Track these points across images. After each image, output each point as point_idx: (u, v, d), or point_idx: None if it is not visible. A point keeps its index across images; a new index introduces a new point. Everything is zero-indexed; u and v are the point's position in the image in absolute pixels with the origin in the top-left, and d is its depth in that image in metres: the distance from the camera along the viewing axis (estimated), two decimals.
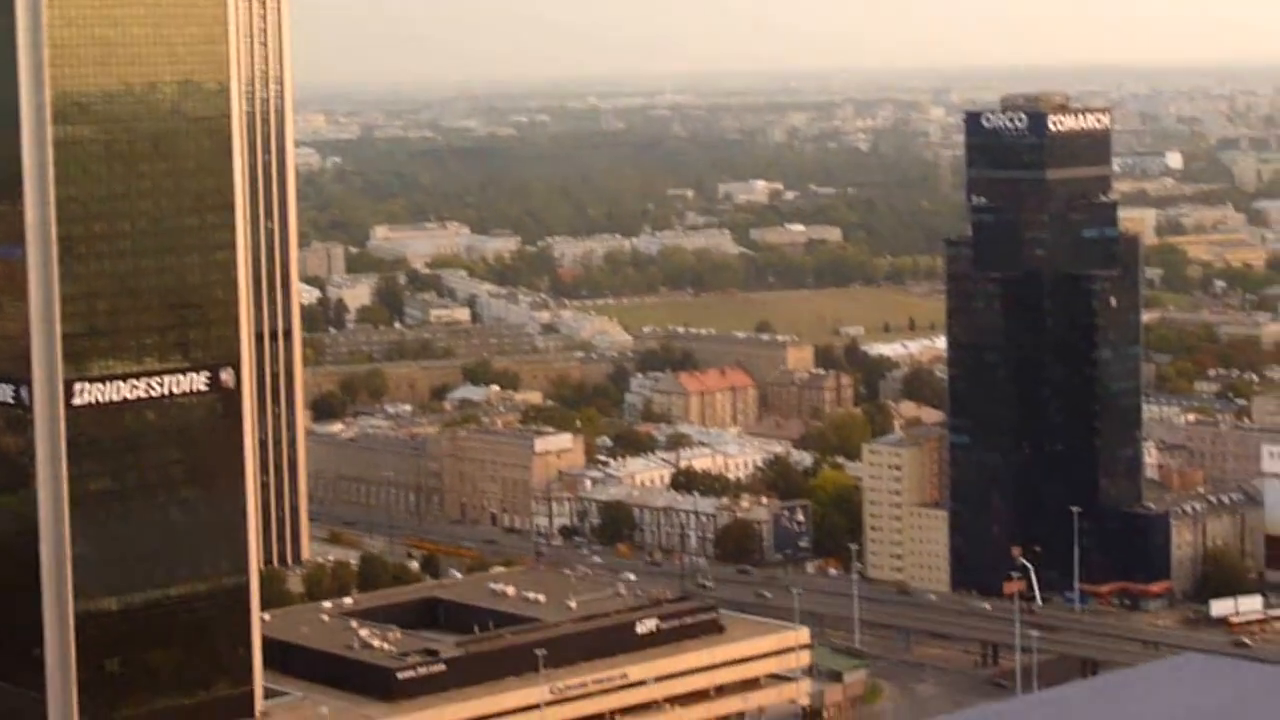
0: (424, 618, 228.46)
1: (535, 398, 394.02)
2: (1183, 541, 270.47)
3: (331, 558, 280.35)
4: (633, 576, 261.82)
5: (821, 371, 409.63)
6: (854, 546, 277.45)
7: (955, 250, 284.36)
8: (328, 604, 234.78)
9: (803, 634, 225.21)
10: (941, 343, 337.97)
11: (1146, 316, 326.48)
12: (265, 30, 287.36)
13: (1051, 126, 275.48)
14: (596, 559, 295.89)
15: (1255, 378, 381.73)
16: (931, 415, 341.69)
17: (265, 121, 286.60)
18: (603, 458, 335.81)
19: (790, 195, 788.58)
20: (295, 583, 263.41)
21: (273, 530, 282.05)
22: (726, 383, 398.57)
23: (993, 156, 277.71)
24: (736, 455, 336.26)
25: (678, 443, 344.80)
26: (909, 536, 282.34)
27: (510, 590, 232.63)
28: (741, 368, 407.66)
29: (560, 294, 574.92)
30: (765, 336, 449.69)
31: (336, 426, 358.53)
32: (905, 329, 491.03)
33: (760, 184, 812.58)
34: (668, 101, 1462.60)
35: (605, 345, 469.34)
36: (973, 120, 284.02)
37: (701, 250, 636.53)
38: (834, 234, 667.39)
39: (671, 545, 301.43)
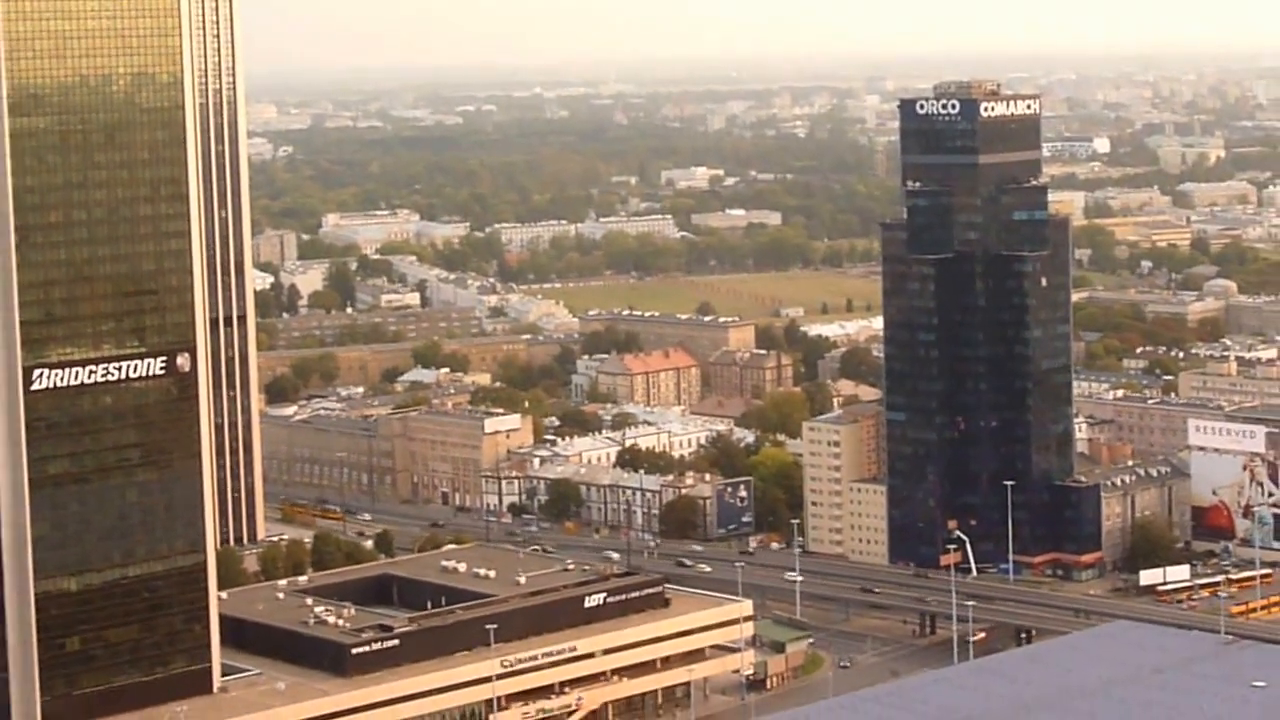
0: (378, 595, 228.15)
1: (484, 379, 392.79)
2: (1112, 513, 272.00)
3: (286, 537, 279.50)
4: (615, 556, 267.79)
5: (762, 352, 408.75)
6: (795, 521, 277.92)
7: (890, 233, 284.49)
8: (283, 582, 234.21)
9: (745, 606, 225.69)
10: (878, 323, 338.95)
11: (1076, 296, 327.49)
12: (217, 23, 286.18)
13: (983, 112, 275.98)
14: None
15: (1181, 355, 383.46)
16: (869, 393, 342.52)
17: (218, 112, 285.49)
18: (550, 437, 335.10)
19: (730, 181, 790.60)
20: (251, 562, 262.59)
21: (229, 511, 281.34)
22: (670, 363, 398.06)
23: (926, 142, 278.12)
24: (680, 434, 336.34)
25: (623, 422, 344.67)
26: (849, 511, 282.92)
27: (461, 567, 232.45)
28: (684, 349, 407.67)
29: (507, 278, 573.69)
30: (707, 318, 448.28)
31: (290, 409, 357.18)
32: (843, 310, 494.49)
33: (701, 170, 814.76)
34: (610, 90, 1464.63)
35: (552, 328, 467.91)
36: (907, 107, 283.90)
37: (644, 235, 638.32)
38: (773, 219, 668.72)
39: (617, 522, 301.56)
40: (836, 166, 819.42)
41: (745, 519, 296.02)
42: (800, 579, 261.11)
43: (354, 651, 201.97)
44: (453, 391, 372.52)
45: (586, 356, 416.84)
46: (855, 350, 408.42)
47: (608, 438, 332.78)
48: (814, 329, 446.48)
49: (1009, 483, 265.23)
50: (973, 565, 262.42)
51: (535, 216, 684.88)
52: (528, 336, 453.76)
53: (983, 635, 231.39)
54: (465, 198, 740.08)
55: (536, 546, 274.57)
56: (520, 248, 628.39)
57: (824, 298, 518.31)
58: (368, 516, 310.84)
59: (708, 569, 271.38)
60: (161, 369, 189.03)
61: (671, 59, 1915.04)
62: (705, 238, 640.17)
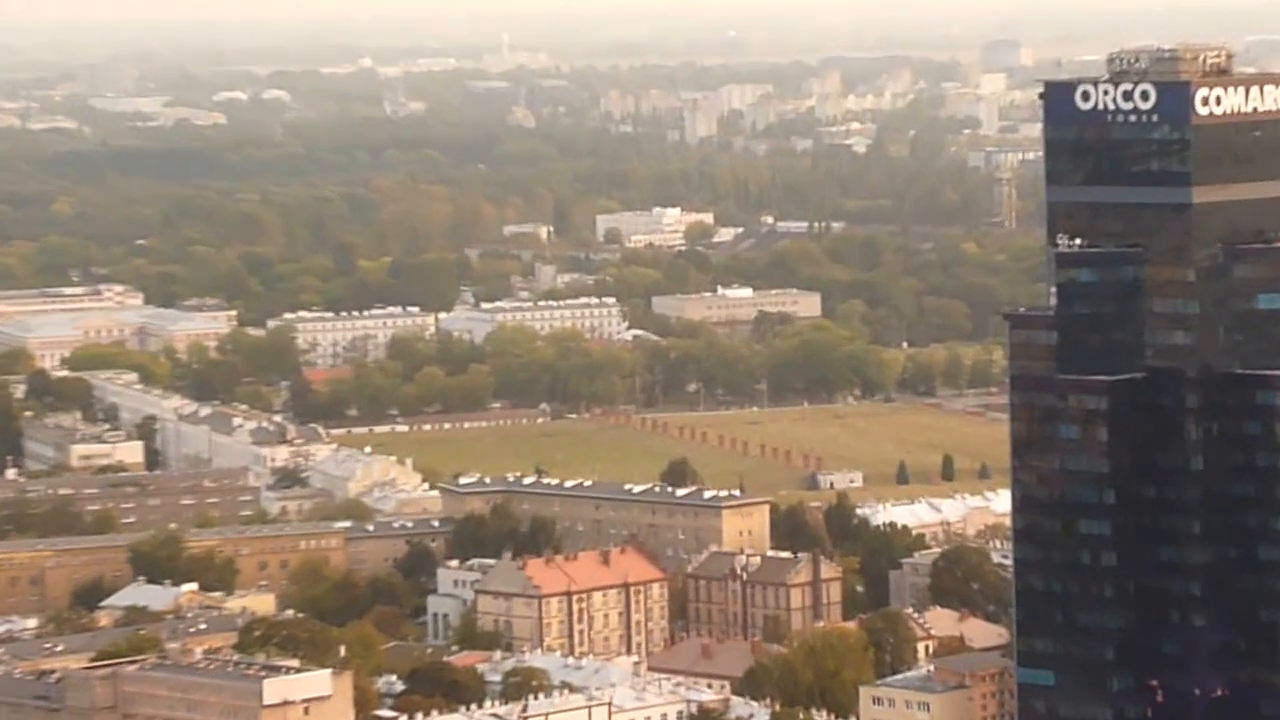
0: None
1: (264, 603, 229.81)
2: None
3: None
4: None
5: (785, 555, 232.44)
6: None
7: (1025, 333, 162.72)
8: None
9: None
10: (1001, 501, 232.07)
11: None
12: None
13: (1200, 107, 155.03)
14: None
15: None
16: (983, 632, 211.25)
17: None
18: (388, 713, 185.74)
19: (726, 235, 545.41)
20: None
21: None
22: (613, 576, 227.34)
23: (1094, 164, 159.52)
24: (633, 709, 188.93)
25: (524, 686, 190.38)
26: None
27: None
28: (638, 548, 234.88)
29: (308, 414, 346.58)
30: (682, 492, 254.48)
31: None
32: (934, 475, 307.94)
33: (671, 214, 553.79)
34: (503, 64, 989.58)
35: (391, 508, 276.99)
36: (1057, 97, 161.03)
37: (566, 335, 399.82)
38: (807, 306, 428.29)
39: None
40: (923, 208, 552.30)
41: None
42: None
43: None
44: (204, 628, 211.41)
45: (455, 562, 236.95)
46: (958, 552, 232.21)
47: (493, 716, 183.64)
48: (881, 510, 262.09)
49: None
50: None
51: (361, 300, 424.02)
52: (346, 524, 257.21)
53: None
54: (231, 265, 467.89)
55: None
56: (333, 358, 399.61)
57: (899, 452, 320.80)
58: None
59: None
60: None
61: (612, 11, 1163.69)
62: (678, 340, 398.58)
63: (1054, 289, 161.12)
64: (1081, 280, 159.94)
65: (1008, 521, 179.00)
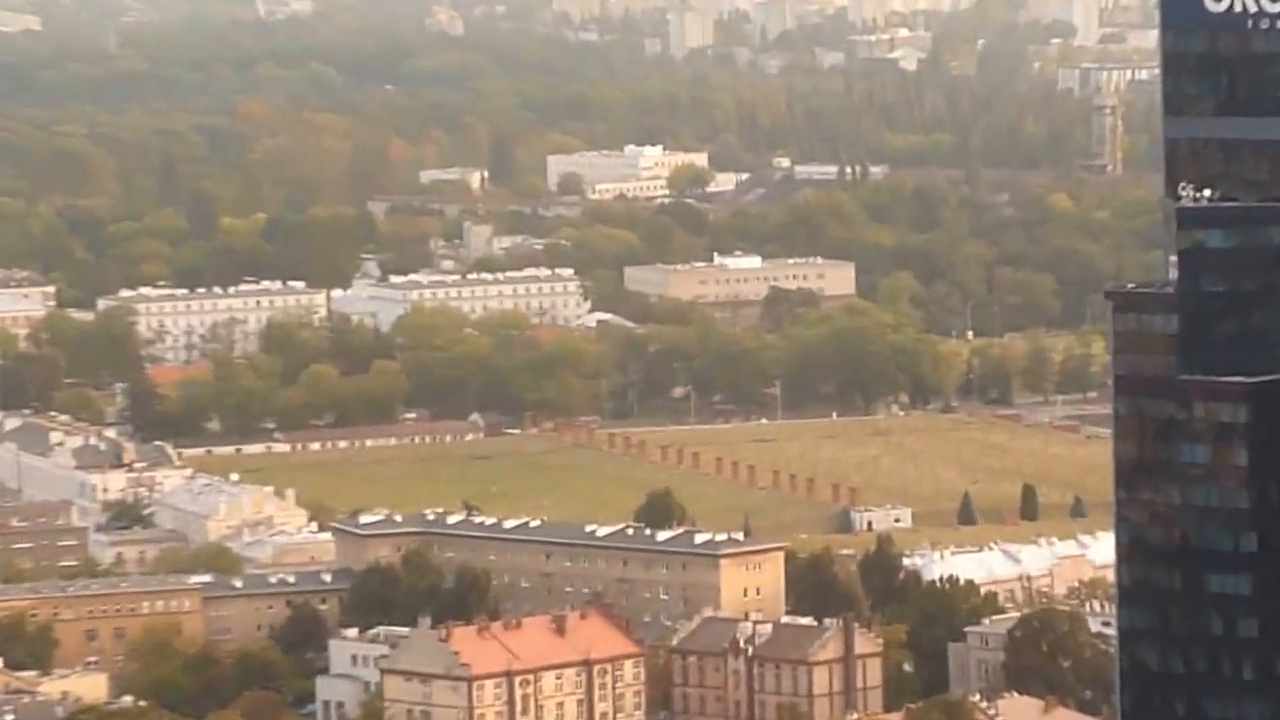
0: None
1: (93, 687, 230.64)
2: None
3: None
4: None
5: (807, 621, 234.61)
6: None
7: (1133, 318, 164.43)
8: None
9: None
10: (1101, 548, 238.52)
11: None
12: None
13: None
14: None
15: None
16: None
17: None
18: None
19: (728, 182, 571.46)
20: None
21: None
22: (569, 649, 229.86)
23: (1229, 87, 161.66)
24: None
25: None
26: None
27: None
28: (604, 611, 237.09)
29: (152, 426, 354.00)
30: (665, 535, 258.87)
31: None
32: (1008, 510, 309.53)
33: (650, 153, 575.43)
34: None
35: (266, 553, 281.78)
36: None
37: (503, 320, 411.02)
38: (838, 279, 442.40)
39: None
40: (996, 147, 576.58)
41: None
42: None
43: None
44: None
45: (354, 632, 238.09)
46: (1043, 618, 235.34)
47: None
48: (938, 561, 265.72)
49: None
50: None
51: (225, 273, 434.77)
52: (204, 579, 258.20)
53: None
54: (48, 223, 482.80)
55: None
56: (186, 351, 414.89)
57: (962, 481, 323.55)
58: None
59: None
60: None
61: None
62: (660, 328, 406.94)
63: (1174, 258, 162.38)
64: (1212, 246, 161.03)
65: (1110, 576, 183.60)
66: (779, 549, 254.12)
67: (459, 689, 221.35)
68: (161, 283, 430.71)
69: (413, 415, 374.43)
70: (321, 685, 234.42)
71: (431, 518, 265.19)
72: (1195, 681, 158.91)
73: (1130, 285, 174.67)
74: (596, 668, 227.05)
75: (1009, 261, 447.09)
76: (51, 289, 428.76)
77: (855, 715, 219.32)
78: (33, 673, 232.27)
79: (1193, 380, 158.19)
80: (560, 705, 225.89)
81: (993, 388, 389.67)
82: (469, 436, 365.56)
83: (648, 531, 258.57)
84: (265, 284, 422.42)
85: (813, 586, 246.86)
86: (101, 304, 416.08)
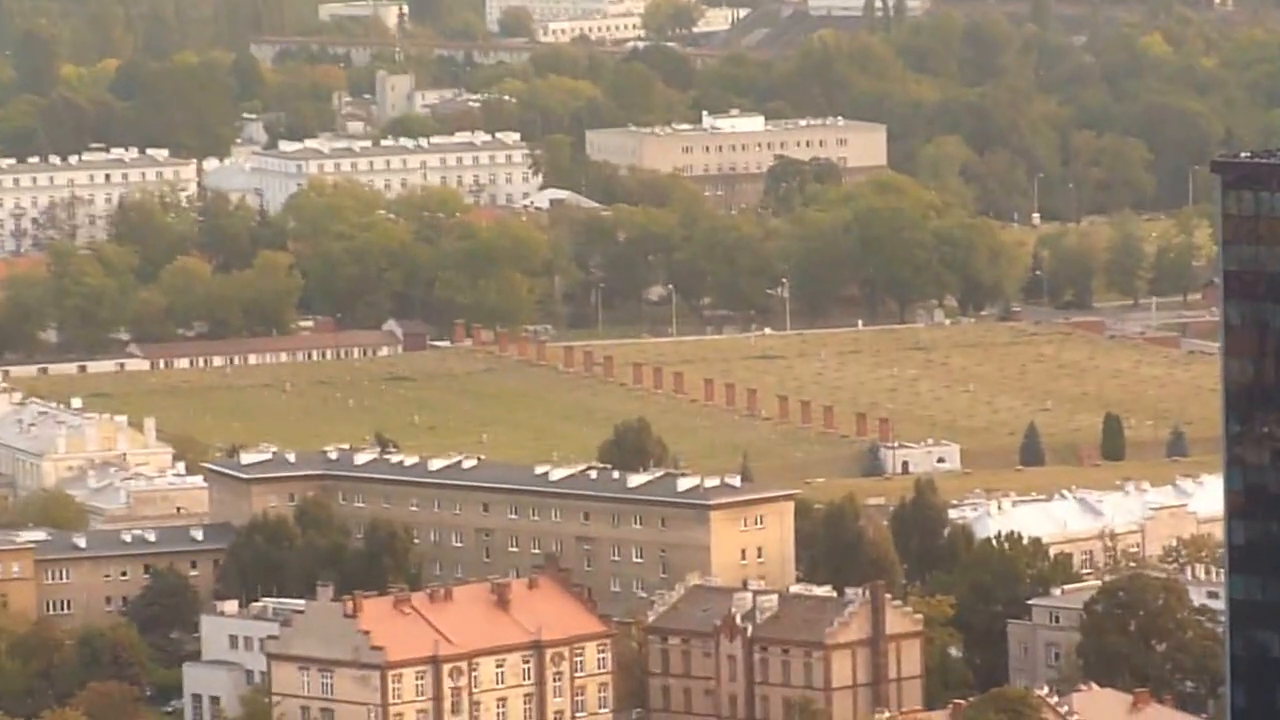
0: None
1: None
2: None
3: None
4: None
5: (824, 591, 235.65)
6: None
7: (1250, 196, 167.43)
8: None
9: None
10: (1207, 496, 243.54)
11: None
12: None
13: None
14: None
15: None
16: None
17: None
18: None
19: (717, 18, 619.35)
20: None
21: None
22: (514, 627, 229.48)
23: None
24: None
25: None
26: None
27: None
28: (559, 578, 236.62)
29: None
30: (638, 480, 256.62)
31: None
32: (1086, 447, 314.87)
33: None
34: None
35: (117, 502, 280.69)
36: None
37: (432, 198, 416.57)
38: (864, 144, 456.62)
39: None
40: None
41: None
42: None
43: None
44: None
45: (233, 605, 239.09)
46: (1132, 586, 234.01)
47: None
48: (995, 514, 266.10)
49: None
50: None
51: (62, 137, 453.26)
52: (37, 535, 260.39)
53: None
54: None
55: None
56: (14, 238, 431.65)
57: (1026, 409, 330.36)
58: None
59: None
60: None
61: None
62: (632, 210, 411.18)
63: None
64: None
65: (1217, 533, 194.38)
66: (787, 498, 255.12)
67: (369, 679, 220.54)
68: None
69: (309, 324, 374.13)
70: (190, 674, 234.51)
71: (334, 457, 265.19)
72: None
73: (1245, 154, 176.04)
74: (550, 652, 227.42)
75: (1088, 124, 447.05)
76: None
77: (886, 714, 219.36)
78: None
79: None
80: (502, 701, 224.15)
81: (1067, 288, 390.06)
82: (383, 351, 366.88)
83: (616, 475, 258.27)
84: (117, 152, 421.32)
85: (831, 547, 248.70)
86: None
